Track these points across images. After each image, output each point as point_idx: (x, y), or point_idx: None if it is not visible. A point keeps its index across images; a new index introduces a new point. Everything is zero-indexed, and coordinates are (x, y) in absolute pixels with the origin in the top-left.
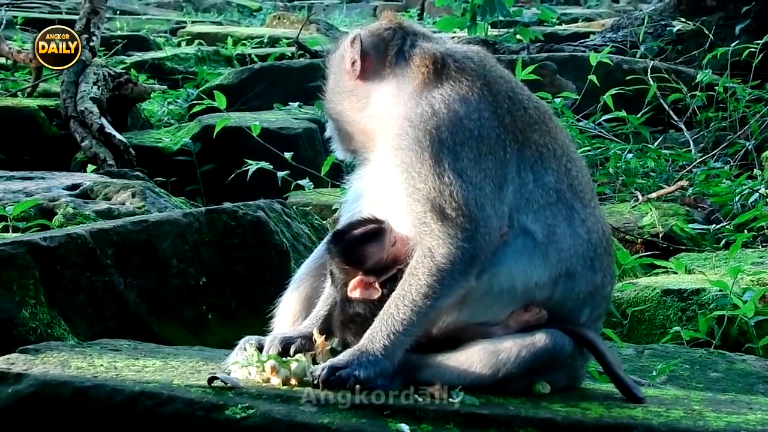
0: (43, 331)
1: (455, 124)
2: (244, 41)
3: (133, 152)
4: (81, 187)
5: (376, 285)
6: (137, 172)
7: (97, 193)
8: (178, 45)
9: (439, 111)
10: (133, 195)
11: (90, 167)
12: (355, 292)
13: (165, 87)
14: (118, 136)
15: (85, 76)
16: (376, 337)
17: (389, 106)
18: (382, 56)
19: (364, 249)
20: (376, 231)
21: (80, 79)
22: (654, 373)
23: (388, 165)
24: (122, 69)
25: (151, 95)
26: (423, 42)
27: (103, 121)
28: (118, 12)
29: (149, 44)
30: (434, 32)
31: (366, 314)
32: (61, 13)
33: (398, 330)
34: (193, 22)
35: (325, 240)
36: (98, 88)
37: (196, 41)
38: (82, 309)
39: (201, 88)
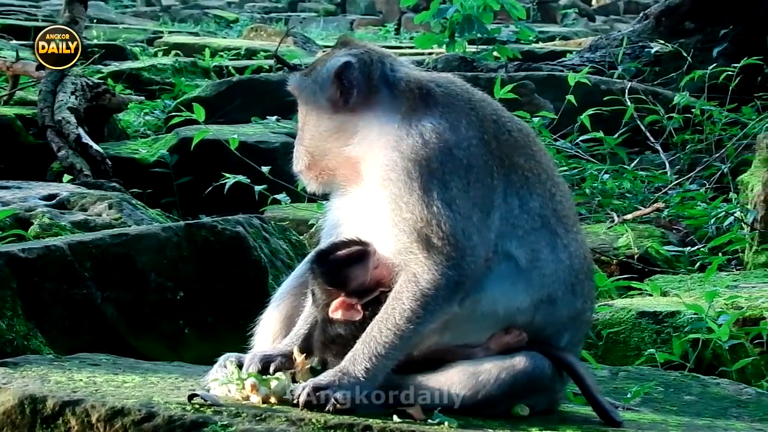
0: (19, 343)
1: (445, 154)
2: (221, 53)
3: (110, 163)
4: (57, 198)
5: (358, 307)
6: (113, 183)
7: (74, 204)
8: (155, 55)
9: (429, 141)
10: (110, 206)
11: (66, 177)
12: (336, 313)
13: (142, 98)
14: (95, 146)
15: (63, 85)
16: (357, 359)
17: (377, 135)
18: (367, 82)
19: (347, 271)
20: (360, 253)
21: (58, 89)
22: (629, 395)
23: (374, 195)
24: (99, 79)
25: (129, 106)
26: (400, 66)
27: (80, 131)
28: (94, 21)
29: (126, 54)
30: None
31: (347, 336)
32: (38, 20)
33: (380, 353)
34: (170, 32)
35: (307, 259)
36: (76, 98)
37: (173, 52)
38: (60, 322)
39: (178, 100)
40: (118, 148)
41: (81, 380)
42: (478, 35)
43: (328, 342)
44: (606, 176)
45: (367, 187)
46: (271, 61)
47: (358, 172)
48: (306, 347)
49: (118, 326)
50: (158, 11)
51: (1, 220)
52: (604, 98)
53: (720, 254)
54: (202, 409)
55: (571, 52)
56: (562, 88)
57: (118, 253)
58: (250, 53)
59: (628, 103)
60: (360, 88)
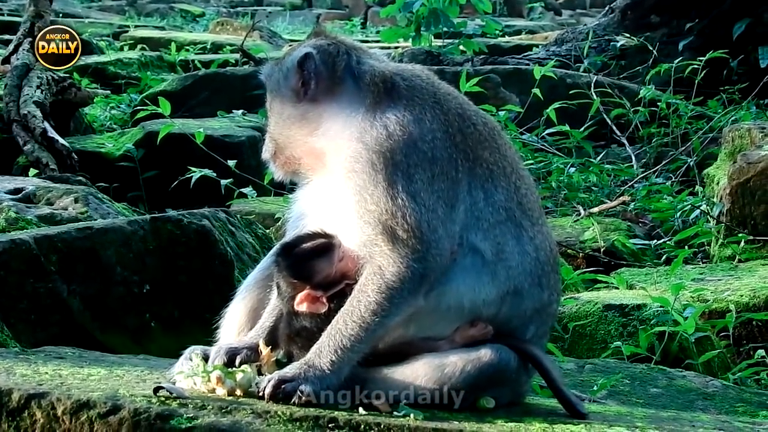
0: None
1: (409, 146)
2: (187, 47)
3: (76, 157)
4: (23, 192)
5: (324, 299)
6: (80, 177)
7: (40, 197)
8: (121, 49)
9: (393, 133)
10: (76, 200)
11: (32, 171)
12: (301, 306)
13: (108, 92)
14: (61, 140)
15: (29, 79)
16: (323, 351)
17: (341, 126)
18: (331, 74)
19: (312, 264)
20: (325, 245)
21: (23, 83)
22: (595, 388)
23: (339, 186)
24: (65, 73)
25: (94, 100)
26: (368, 59)
27: (46, 125)
28: (60, 15)
29: (92, 48)
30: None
31: (312, 328)
32: (3, 14)
33: (346, 346)
34: (135, 26)
35: (272, 252)
36: (41, 92)
37: (139, 46)
38: (26, 315)
39: (144, 94)
40: (84, 142)
41: (47, 373)
42: (444, 29)
43: (294, 335)
44: (572, 170)
45: (332, 178)
46: (237, 56)
47: (323, 162)
48: (272, 340)
49: (84, 320)
50: (124, 5)
51: None
52: (570, 92)
53: (686, 247)
54: (167, 401)
55: (537, 45)
56: (527, 81)
57: (83, 247)
58: (216, 47)
59: (594, 97)
60: (320, 78)
